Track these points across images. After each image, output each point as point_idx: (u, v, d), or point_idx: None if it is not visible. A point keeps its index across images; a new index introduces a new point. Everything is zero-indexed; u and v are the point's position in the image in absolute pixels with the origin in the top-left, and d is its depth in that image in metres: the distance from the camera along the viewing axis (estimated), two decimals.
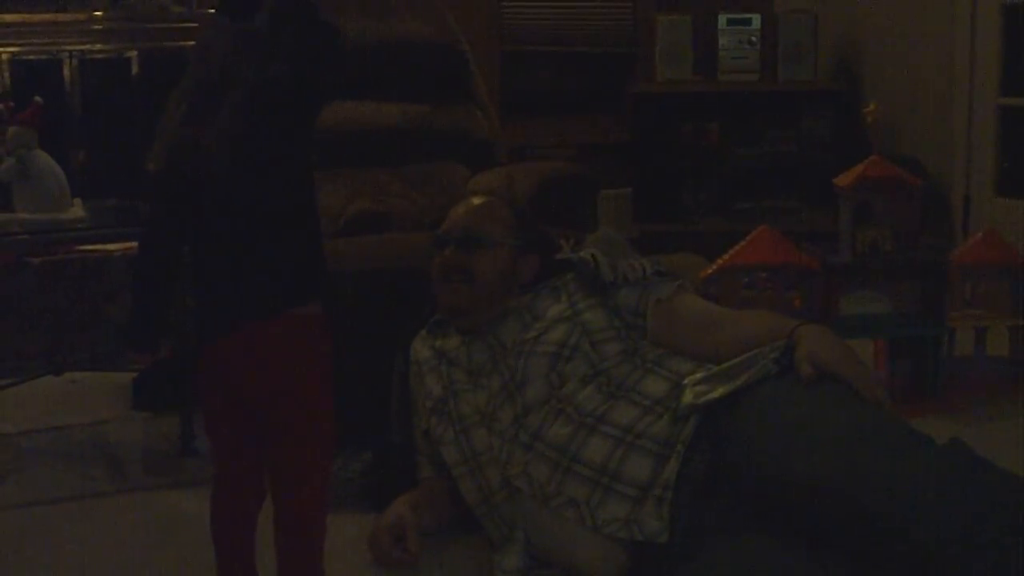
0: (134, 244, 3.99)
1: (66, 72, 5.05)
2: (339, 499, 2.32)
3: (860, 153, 3.59)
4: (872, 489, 1.92)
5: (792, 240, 3.40)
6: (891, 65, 5.23)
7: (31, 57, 5.05)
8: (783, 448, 2.05)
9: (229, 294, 2.09)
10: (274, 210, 2.08)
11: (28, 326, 4.33)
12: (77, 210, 3.36)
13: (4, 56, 4.97)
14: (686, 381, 2.32)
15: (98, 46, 5.13)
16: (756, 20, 5.46)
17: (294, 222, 2.11)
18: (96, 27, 5.11)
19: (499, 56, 5.73)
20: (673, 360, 2.42)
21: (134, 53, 5.11)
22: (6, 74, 4.98)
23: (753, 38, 5.45)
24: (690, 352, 2.42)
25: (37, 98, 3.33)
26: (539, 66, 5.93)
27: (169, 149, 2.14)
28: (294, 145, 2.11)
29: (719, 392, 2.22)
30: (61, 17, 5.09)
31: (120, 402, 3.90)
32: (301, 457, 2.14)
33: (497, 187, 3.40)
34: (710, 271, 3.30)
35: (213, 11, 2.19)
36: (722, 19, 5.46)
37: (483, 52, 4.96)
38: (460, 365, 2.58)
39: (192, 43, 5.02)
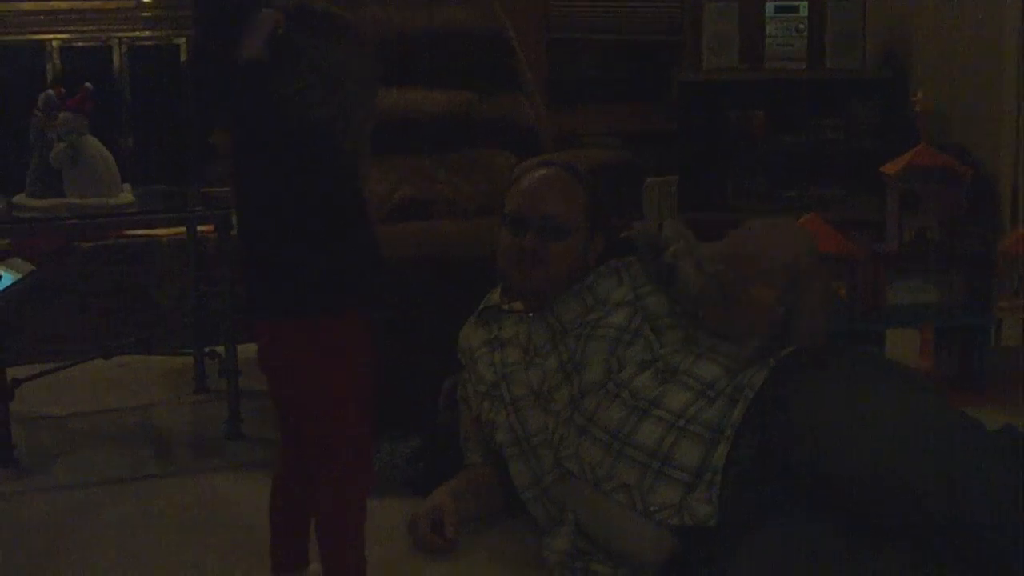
0: (182, 229, 4.05)
1: (115, 59, 5.09)
2: (385, 485, 2.34)
3: (907, 142, 3.57)
4: (924, 475, 1.92)
5: (838, 228, 3.38)
6: (939, 53, 5.18)
7: (81, 44, 5.09)
8: (834, 435, 2.05)
9: (263, 287, 2.09)
10: (311, 213, 2.04)
11: (77, 310, 4.37)
12: (127, 195, 3.37)
13: (55, 43, 5.02)
14: None
15: (147, 33, 5.17)
16: (804, 7, 5.42)
17: (333, 225, 2.05)
18: (145, 14, 5.15)
19: (546, 44, 5.72)
20: (728, 346, 2.42)
21: (182, 40, 5.13)
22: (56, 61, 5.02)
23: (800, 26, 5.42)
24: None
25: (87, 84, 3.34)
26: (586, 54, 5.92)
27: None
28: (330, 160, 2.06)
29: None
30: (110, 4, 5.13)
31: (168, 386, 3.93)
32: (320, 455, 2.13)
33: None
34: None
35: None
36: (769, 7, 5.43)
37: (530, 40, 4.95)
38: (517, 344, 2.58)
39: None
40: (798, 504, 2.10)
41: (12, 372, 3.34)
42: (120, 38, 5.09)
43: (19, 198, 3.30)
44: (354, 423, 2.09)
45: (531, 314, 2.59)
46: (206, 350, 3.82)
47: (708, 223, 5.17)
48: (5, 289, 1.30)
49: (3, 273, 1.31)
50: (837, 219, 3.66)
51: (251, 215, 2.08)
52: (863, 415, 2.06)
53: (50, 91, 3.43)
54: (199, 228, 3.86)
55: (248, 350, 3.24)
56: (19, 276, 1.32)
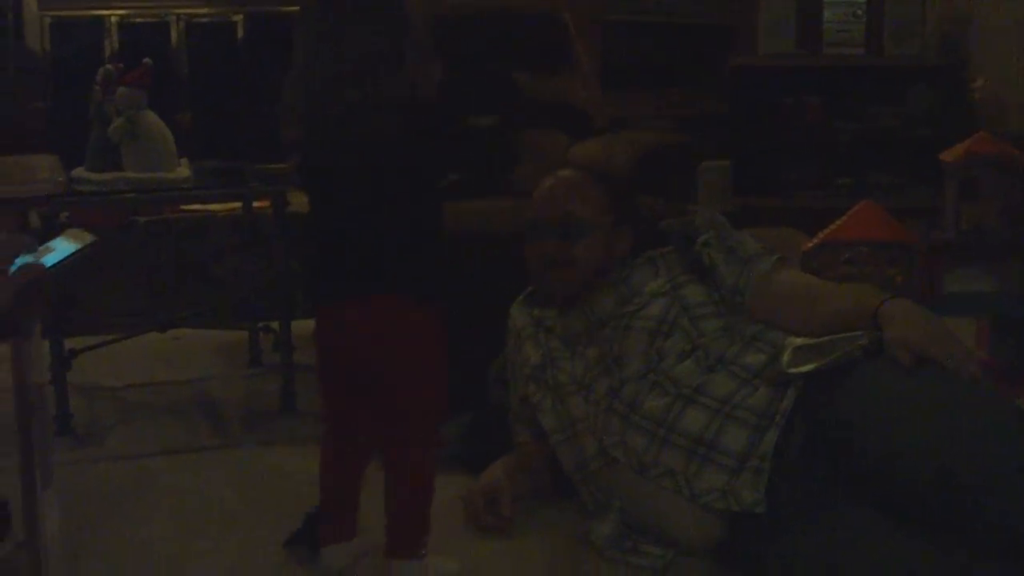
0: (238, 205, 4.08)
1: (173, 35, 5.12)
2: (436, 462, 2.34)
3: (966, 129, 3.53)
4: (978, 470, 1.90)
5: (894, 216, 3.36)
6: (1000, 40, 5.13)
7: (139, 20, 5.13)
8: (887, 424, 2.04)
9: (353, 265, 2.14)
10: (402, 201, 2.13)
11: (134, 283, 4.41)
12: (184, 170, 3.40)
13: (113, 19, 5.06)
14: (786, 342, 2.32)
15: (204, 9, 5.20)
16: None
17: (422, 209, 2.16)
18: None
19: (601, 26, 5.71)
20: (772, 334, 2.42)
21: (240, 17, 5.16)
22: (115, 36, 5.06)
23: (859, 11, 5.37)
24: (786, 326, 2.42)
25: (147, 60, 3.37)
26: (640, 37, 5.89)
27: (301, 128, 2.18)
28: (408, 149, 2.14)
29: (810, 366, 2.21)
30: None
31: (222, 360, 3.97)
32: (410, 428, 2.19)
33: (597, 157, 3.40)
34: (811, 245, 3.27)
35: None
36: None
37: (584, 22, 4.94)
38: (557, 334, 2.60)
39: (296, 8, 5.07)
40: (849, 494, 2.10)
41: (70, 343, 3.39)
42: (178, 14, 5.12)
43: (78, 172, 3.33)
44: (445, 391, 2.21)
45: (569, 306, 2.60)
46: (261, 325, 3.85)
47: (761, 209, 5.18)
48: (64, 259, 1.32)
49: (63, 244, 1.33)
50: (893, 207, 3.63)
51: (372, 198, 2.12)
52: (916, 405, 2.05)
53: (109, 66, 3.46)
54: (255, 203, 3.89)
55: (301, 326, 3.27)
56: (79, 246, 1.35)
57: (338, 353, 2.22)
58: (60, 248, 1.37)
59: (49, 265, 1.33)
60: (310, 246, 2.23)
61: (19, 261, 1.31)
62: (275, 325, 3.51)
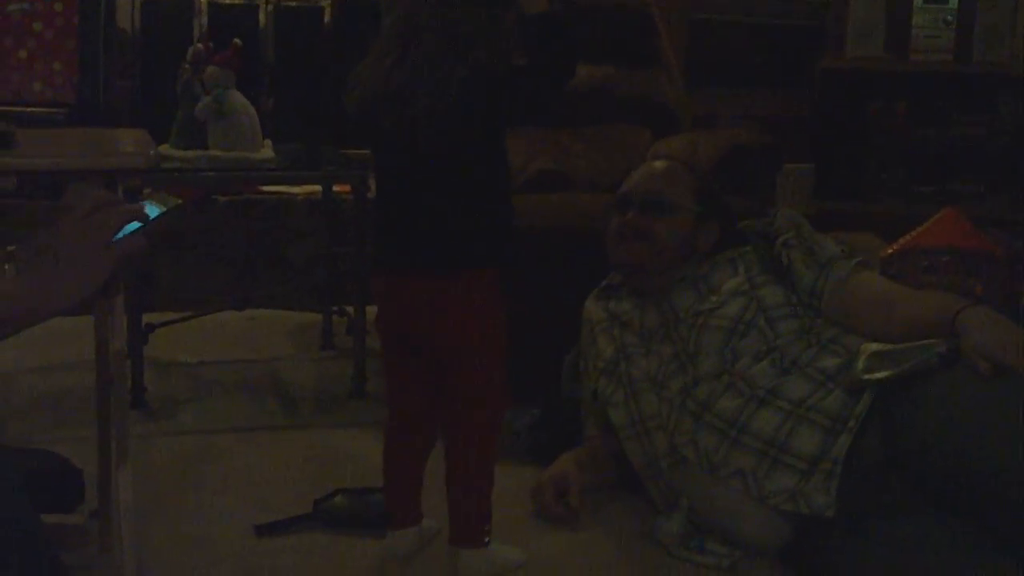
0: (318, 188, 4.11)
1: (261, 18, 5.16)
2: (505, 452, 2.35)
3: None
4: None
5: (977, 225, 3.31)
6: None
7: (229, 2, 5.17)
8: (962, 438, 2.02)
9: (413, 239, 2.14)
10: (468, 175, 2.14)
11: (212, 261, 4.46)
12: (267, 151, 3.43)
13: (203, 0, 5.10)
14: (861, 348, 2.29)
15: None
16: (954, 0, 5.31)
17: (486, 187, 2.16)
18: None
19: (687, 23, 5.68)
20: (848, 338, 2.40)
21: (327, 2, 5.19)
22: (204, 17, 5.10)
23: (949, 17, 5.29)
24: (863, 331, 2.40)
25: (237, 40, 3.40)
26: (726, 36, 5.85)
27: (361, 96, 2.17)
28: (492, 122, 2.14)
29: (885, 373, 2.19)
30: None
31: (296, 341, 3.99)
32: (471, 411, 2.20)
33: (680, 153, 3.38)
34: (891, 251, 3.24)
35: None
36: None
37: (672, 18, 4.92)
38: (632, 328, 2.59)
39: None
40: (921, 502, 2.08)
41: (147, 318, 3.43)
42: None
43: (164, 148, 3.37)
44: (505, 378, 2.21)
45: (645, 300, 2.59)
46: (335, 308, 3.87)
47: (842, 213, 5.13)
48: (152, 221, 1.33)
49: (149, 207, 1.35)
50: (975, 216, 3.58)
51: (429, 177, 2.13)
52: (994, 415, 2.03)
53: (199, 45, 3.50)
54: (335, 188, 3.91)
55: (374, 311, 3.29)
56: (164, 209, 1.36)
57: (400, 328, 2.22)
58: (150, 212, 1.38)
59: (136, 229, 1.34)
60: (376, 217, 2.24)
61: (124, 231, 1.33)
62: (349, 309, 3.53)
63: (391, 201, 2.19)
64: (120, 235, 1.32)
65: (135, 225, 1.34)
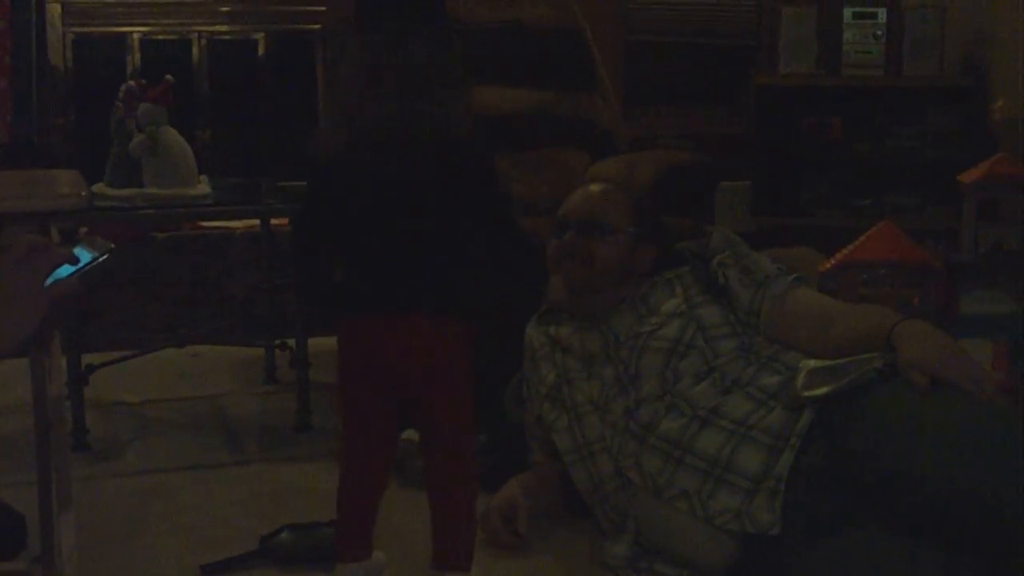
0: (256, 222, 4.10)
1: (194, 52, 5.14)
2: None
3: (985, 151, 3.52)
4: (1000, 490, 1.89)
5: (912, 237, 3.35)
6: (1020, 61, 5.12)
7: (161, 37, 5.15)
8: (903, 447, 2.03)
9: (395, 282, 2.13)
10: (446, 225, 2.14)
11: (152, 299, 4.43)
12: (204, 187, 3.41)
13: (135, 35, 5.08)
14: (801, 365, 2.31)
15: (226, 27, 5.22)
16: (882, 14, 5.36)
17: (483, 226, 2.18)
18: (224, 8, 5.20)
19: (623, 45, 5.71)
20: (788, 355, 2.41)
21: (261, 35, 5.18)
22: (137, 53, 5.08)
23: (878, 32, 5.36)
24: (801, 348, 2.42)
25: (168, 76, 3.38)
26: (661, 56, 5.89)
27: (335, 147, 2.17)
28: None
29: (823, 390, 2.20)
30: None
31: (239, 377, 3.97)
32: (457, 439, 2.20)
33: (617, 174, 3.39)
34: (829, 266, 3.26)
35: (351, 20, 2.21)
36: (847, 12, 5.37)
37: (607, 40, 4.95)
38: (573, 353, 2.60)
39: (318, 26, 5.09)
40: (864, 516, 2.09)
41: (87, 358, 3.40)
42: (200, 31, 5.14)
43: (98, 187, 3.35)
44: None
45: (585, 323, 2.60)
46: (277, 342, 3.86)
47: (779, 228, 5.17)
48: (85, 267, 1.33)
49: (82, 252, 1.34)
50: (911, 228, 3.62)
51: (408, 224, 2.12)
52: (931, 426, 2.04)
53: (131, 82, 3.48)
54: (273, 221, 3.90)
55: (317, 343, 3.28)
56: (98, 254, 1.35)
57: (373, 368, 2.20)
58: (81, 256, 1.38)
59: (69, 273, 1.33)
60: (337, 258, 2.22)
61: (56, 274, 1.32)
62: (291, 342, 3.52)
63: (377, 242, 2.16)
64: (53, 279, 1.32)
65: (69, 268, 1.33)
